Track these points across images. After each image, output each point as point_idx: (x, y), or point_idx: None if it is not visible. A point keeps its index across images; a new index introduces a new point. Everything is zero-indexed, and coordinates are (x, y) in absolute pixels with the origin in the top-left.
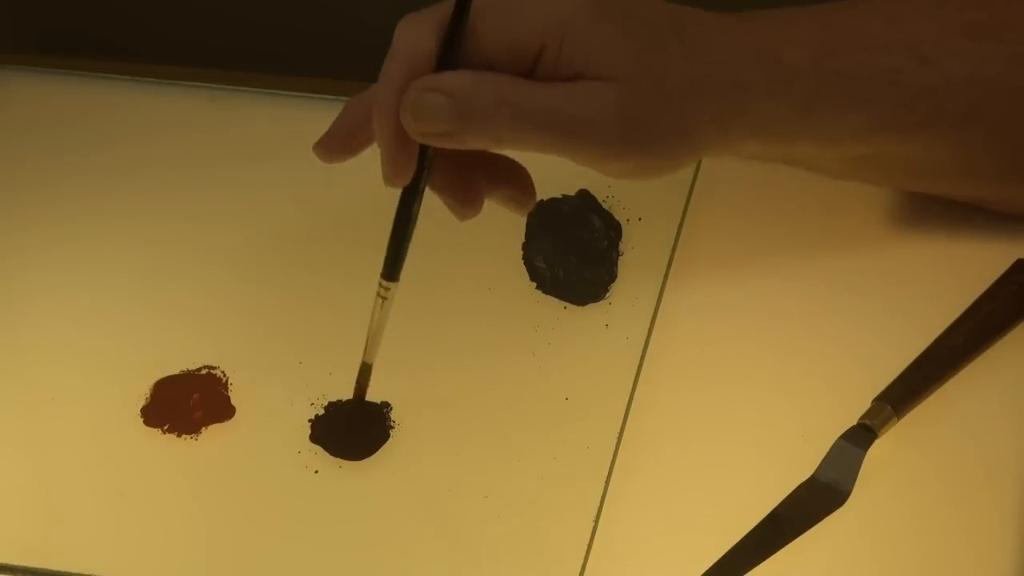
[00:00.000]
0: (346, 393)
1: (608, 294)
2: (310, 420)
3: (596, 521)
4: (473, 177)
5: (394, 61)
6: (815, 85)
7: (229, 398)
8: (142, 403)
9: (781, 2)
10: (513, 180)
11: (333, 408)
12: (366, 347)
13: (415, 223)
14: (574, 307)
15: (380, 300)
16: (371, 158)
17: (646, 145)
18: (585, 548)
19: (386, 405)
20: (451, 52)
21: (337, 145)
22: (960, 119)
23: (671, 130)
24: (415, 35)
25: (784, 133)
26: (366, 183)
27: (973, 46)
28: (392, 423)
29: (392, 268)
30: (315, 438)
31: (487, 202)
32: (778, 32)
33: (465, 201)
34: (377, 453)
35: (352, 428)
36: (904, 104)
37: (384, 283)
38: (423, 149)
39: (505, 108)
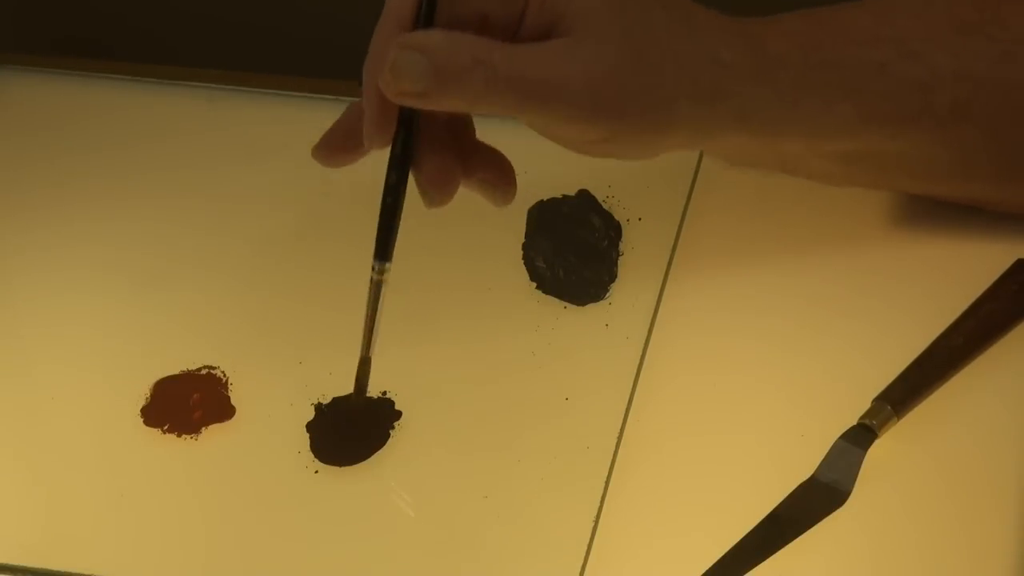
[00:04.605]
0: (346, 393)
1: (608, 294)
2: (307, 424)
3: (596, 521)
4: (447, 157)
5: (384, 18)
6: (801, 73)
7: (229, 398)
8: (142, 403)
9: (781, 6)
10: (495, 166)
11: (329, 411)
12: (364, 340)
13: (403, 197)
14: (574, 307)
15: (374, 285)
16: (371, 158)
17: (616, 113)
18: (585, 548)
19: (391, 407)
20: (430, 6)
21: (336, 146)
22: (949, 114)
23: (644, 99)
24: None
25: (771, 124)
26: (366, 183)
27: (962, 42)
28: (392, 425)
29: (383, 248)
30: (314, 448)
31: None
32: (765, 27)
33: (437, 182)
34: (377, 453)
35: (349, 432)
36: (892, 96)
37: (377, 265)
38: (403, 112)
39: (479, 69)
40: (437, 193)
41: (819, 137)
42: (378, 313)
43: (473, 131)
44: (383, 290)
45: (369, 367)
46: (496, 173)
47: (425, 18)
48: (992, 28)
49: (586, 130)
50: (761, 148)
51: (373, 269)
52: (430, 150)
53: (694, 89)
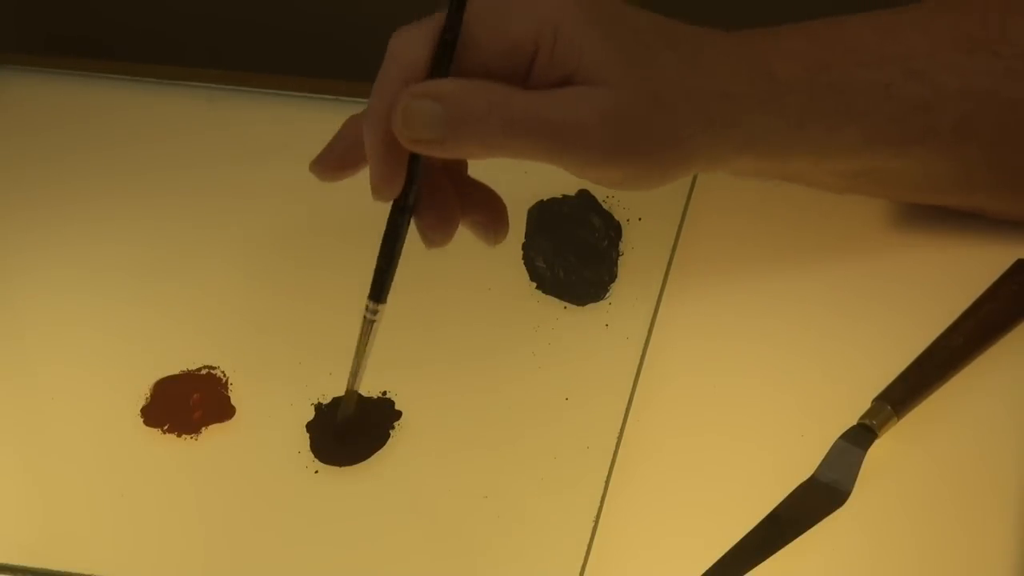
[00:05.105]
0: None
1: (608, 294)
2: (307, 424)
3: (596, 521)
4: (447, 202)
5: (387, 71)
6: (808, 99)
7: (229, 398)
8: (142, 403)
9: (774, 17)
10: (489, 208)
11: (329, 411)
12: (352, 374)
13: (403, 242)
14: (574, 307)
15: (367, 323)
16: None
17: (633, 153)
18: (585, 548)
19: (391, 407)
20: (445, 58)
21: (333, 162)
22: (954, 132)
23: (660, 138)
24: (408, 44)
25: (778, 148)
26: (365, 183)
27: (966, 59)
28: (392, 425)
29: (380, 289)
30: (314, 448)
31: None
32: (770, 47)
33: (437, 227)
34: (377, 453)
35: (349, 432)
36: (897, 118)
37: (371, 305)
38: (412, 164)
39: (495, 114)
40: (437, 236)
41: (824, 157)
42: (368, 349)
43: (466, 168)
44: (375, 328)
45: (355, 399)
46: (489, 215)
47: (439, 65)
48: (996, 44)
49: (606, 172)
50: (767, 167)
51: (367, 308)
52: (430, 196)
53: (707, 124)
